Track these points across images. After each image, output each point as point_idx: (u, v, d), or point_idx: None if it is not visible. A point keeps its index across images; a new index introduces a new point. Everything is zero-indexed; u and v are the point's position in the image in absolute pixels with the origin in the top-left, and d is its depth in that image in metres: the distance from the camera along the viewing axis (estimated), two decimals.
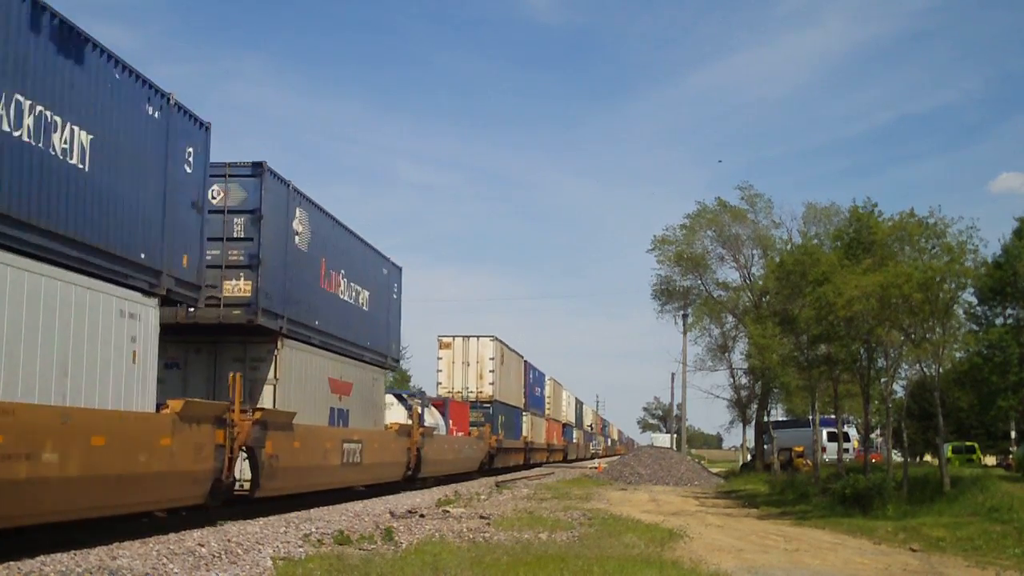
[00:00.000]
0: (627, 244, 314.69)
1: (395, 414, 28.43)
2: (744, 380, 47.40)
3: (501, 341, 43.69)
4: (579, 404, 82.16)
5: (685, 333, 50.48)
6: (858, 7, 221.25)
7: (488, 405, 41.64)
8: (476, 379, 41.66)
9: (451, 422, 35.57)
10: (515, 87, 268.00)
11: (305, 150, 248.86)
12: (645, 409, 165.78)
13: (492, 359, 42.02)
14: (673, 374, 71.03)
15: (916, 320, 21.90)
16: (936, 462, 26.62)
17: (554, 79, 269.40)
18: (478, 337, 42.25)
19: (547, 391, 59.14)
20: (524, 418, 49.70)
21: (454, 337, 42.25)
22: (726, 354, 46.79)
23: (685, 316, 49.57)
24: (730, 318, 46.19)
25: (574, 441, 76.16)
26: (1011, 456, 37.01)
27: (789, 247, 36.52)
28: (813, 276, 23.29)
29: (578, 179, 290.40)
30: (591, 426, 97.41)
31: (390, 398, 28.86)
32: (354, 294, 23.65)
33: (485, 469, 39.57)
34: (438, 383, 42.16)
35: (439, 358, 42.13)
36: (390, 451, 25.49)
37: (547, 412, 58.70)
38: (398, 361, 30.70)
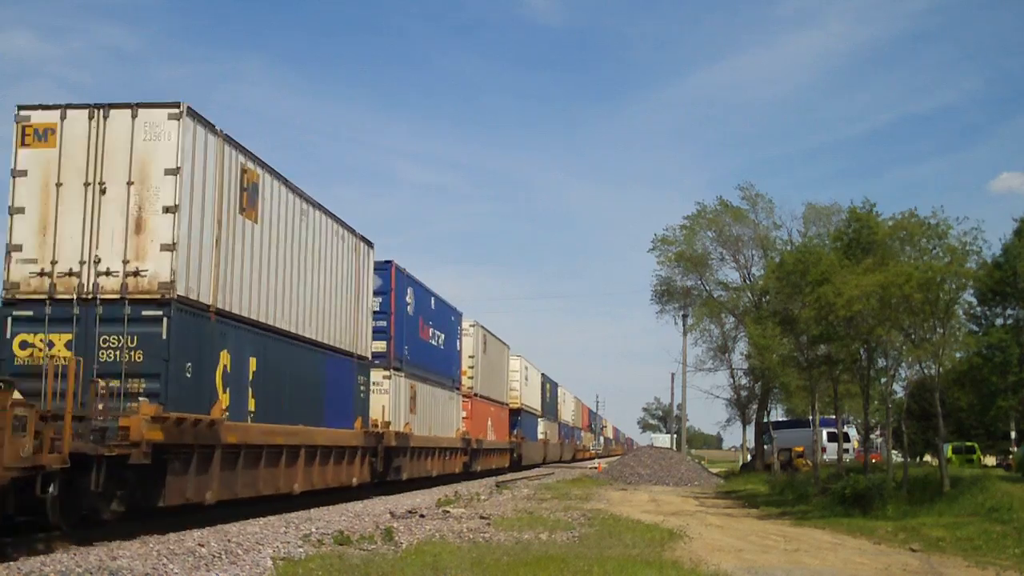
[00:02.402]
0: (627, 244, 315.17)
1: None
2: (744, 380, 47.44)
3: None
4: (548, 385, 62.77)
5: (685, 334, 50.49)
6: (859, 8, 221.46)
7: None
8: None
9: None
10: (515, 88, 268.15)
11: (306, 150, 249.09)
12: (645, 409, 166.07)
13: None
14: (673, 374, 71.08)
15: (916, 320, 21.88)
16: (936, 462, 26.61)
17: (554, 80, 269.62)
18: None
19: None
20: None
21: None
22: (726, 354, 46.85)
23: (685, 316, 49.55)
24: (730, 318, 46.23)
25: (540, 438, 57.24)
26: (1011, 456, 37.00)
27: (789, 247, 36.52)
28: (813, 276, 23.26)
29: (578, 179, 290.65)
30: (570, 419, 77.04)
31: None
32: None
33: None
34: None
35: None
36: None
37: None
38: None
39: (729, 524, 19.56)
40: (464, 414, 36.09)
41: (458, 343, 36.22)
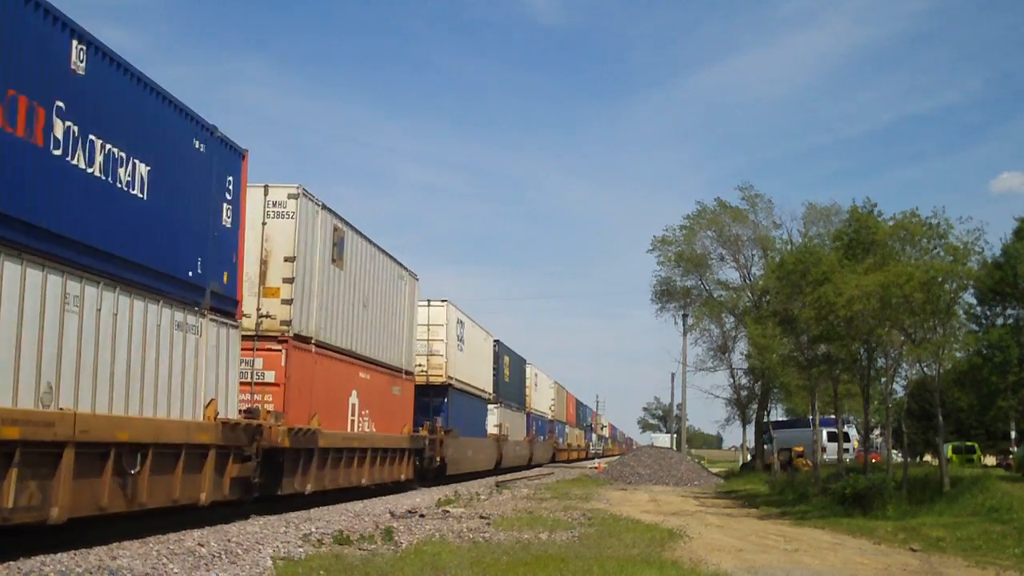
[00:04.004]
0: (627, 245, 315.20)
1: None
2: (744, 380, 47.43)
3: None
4: (508, 359, 47.10)
5: (685, 334, 50.48)
6: (859, 8, 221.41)
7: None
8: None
9: None
10: (516, 88, 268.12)
11: (307, 151, 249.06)
12: (645, 409, 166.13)
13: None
14: (673, 374, 71.05)
15: (917, 320, 21.87)
16: (936, 462, 26.60)
17: (554, 80, 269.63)
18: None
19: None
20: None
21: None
22: (726, 354, 46.81)
23: (685, 316, 49.53)
24: (730, 318, 46.21)
25: (490, 433, 41.25)
26: (1011, 456, 36.99)
27: (789, 247, 36.51)
28: (813, 276, 23.27)
29: (579, 180, 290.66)
30: (547, 409, 62.42)
31: None
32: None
33: None
34: None
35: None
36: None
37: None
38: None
39: (729, 524, 19.55)
40: (273, 376, 18.38)
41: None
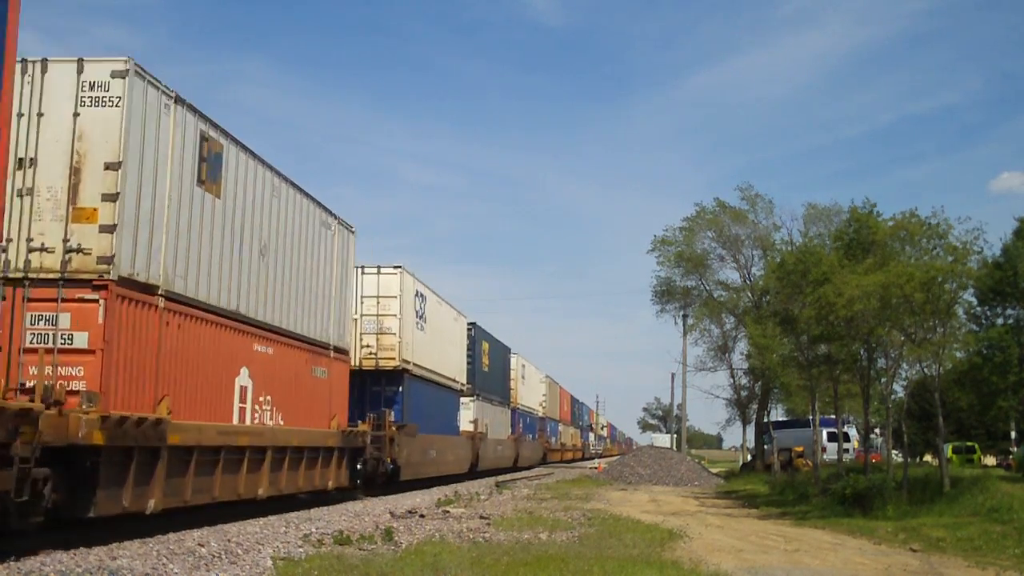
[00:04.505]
0: (627, 245, 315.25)
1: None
2: (744, 380, 47.43)
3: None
4: (487, 344, 41.55)
5: (685, 334, 50.48)
6: (859, 9, 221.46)
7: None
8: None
9: None
10: (516, 88, 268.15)
11: (307, 151, 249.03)
12: (645, 409, 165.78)
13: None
14: (673, 374, 70.89)
15: (917, 320, 21.87)
16: (936, 462, 26.59)
17: (555, 80, 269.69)
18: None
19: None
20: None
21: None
22: (726, 354, 46.81)
23: (685, 316, 49.54)
24: (730, 318, 46.21)
25: (463, 431, 35.71)
26: (1011, 456, 37.00)
27: (790, 247, 36.48)
28: (814, 276, 23.27)
29: (579, 180, 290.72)
30: (537, 406, 57.60)
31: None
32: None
33: None
34: None
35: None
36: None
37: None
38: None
39: (729, 524, 19.55)
40: (86, 340, 13.63)
41: None
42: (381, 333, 26.41)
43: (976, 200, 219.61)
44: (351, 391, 23.16)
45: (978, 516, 17.91)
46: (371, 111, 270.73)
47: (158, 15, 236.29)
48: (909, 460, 26.01)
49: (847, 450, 38.22)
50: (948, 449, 31.58)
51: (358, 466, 23.60)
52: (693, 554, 13.16)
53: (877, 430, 32.66)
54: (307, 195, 20.10)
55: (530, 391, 55.33)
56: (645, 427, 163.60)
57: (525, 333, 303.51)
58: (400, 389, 26.98)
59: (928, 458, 41.52)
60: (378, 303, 26.52)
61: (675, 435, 77.95)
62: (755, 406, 48.18)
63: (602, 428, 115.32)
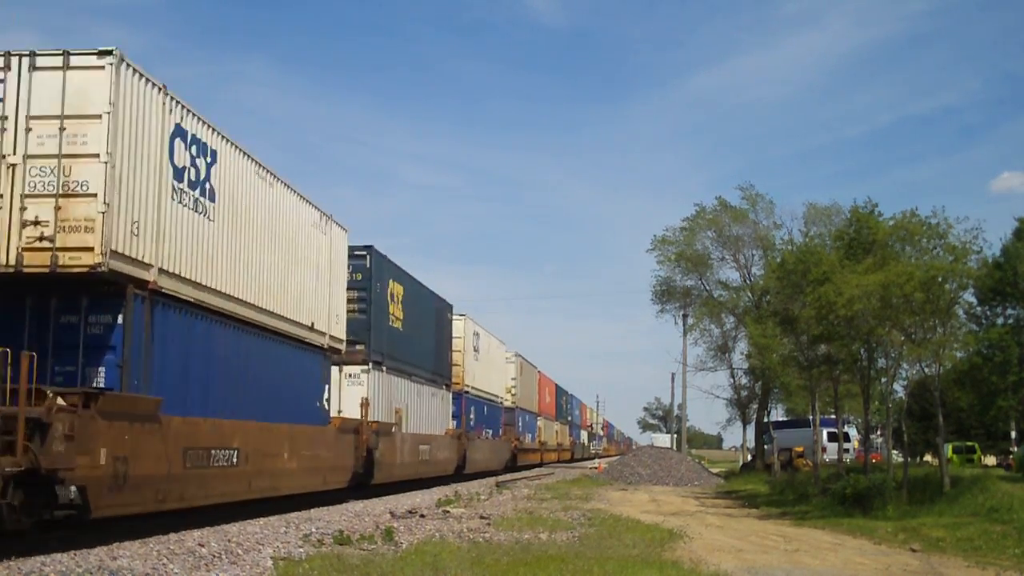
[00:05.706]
0: (627, 245, 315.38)
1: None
2: (744, 380, 47.41)
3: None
4: (437, 310, 33.66)
5: (685, 334, 50.43)
6: (859, 9, 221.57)
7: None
8: None
9: None
10: (516, 89, 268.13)
11: (307, 151, 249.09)
12: (645, 409, 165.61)
13: None
14: (673, 374, 70.65)
15: (917, 320, 21.86)
16: (936, 462, 26.58)
17: (555, 81, 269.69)
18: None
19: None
20: None
21: None
22: (726, 354, 46.76)
23: (685, 316, 49.50)
24: (730, 318, 46.18)
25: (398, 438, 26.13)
26: (1011, 456, 36.99)
27: (790, 247, 36.47)
28: (814, 276, 23.26)
29: (579, 181, 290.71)
30: (504, 394, 46.44)
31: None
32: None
33: None
34: None
35: None
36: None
37: None
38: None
39: (729, 524, 19.55)
40: None
41: None
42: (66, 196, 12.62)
43: (976, 200, 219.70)
44: None
45: (978, 516, 17.90)
46: (371, 111, 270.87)
47: (159, 15, 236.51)
48: (909, 460, 26.01)
49: (847, 450, 38.19)
50: (948, 449, 31.57)
51: None
52: (693, 554, 13.16)
53: (877, 430, 32.66)
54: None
55: (488, 371, 42.18)
56: (645, 427, 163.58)
57: (525, 333, 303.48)
58: (119, 320, 13.05)
59: (928, 458, 41.48)
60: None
61: (675, 435, 77.99)
62: (755, 406, 48.17)
63: (600, 427, 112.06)
